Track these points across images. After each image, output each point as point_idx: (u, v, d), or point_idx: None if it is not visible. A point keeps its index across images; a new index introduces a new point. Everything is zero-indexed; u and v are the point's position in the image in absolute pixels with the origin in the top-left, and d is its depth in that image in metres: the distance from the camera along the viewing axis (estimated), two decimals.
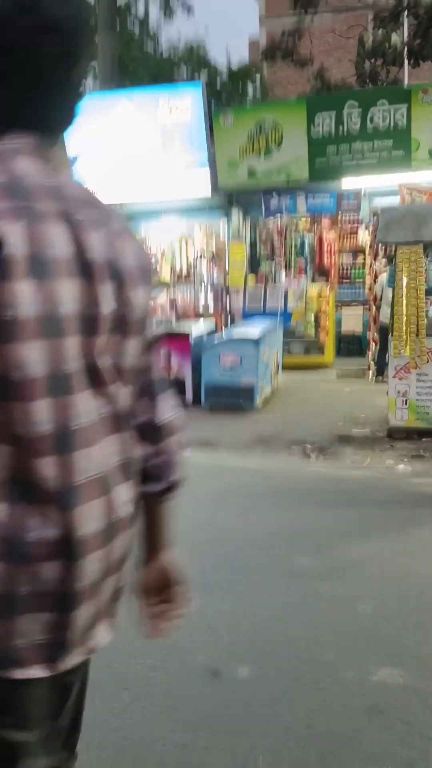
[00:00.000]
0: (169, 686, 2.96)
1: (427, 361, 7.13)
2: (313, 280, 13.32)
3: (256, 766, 2.47)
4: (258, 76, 21.83)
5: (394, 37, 10.39)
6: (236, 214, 12.71)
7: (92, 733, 2.65)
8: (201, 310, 12.68)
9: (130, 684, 2.98)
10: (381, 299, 10.42)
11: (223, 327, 12.04)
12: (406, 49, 9.73)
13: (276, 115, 11.46)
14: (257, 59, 14.95)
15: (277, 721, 2.71)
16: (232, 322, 12.40)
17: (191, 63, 21.51)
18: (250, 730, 2.66)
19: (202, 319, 11.90)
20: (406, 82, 14.81)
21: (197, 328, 9.96)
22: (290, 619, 3.50)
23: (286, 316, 11.93)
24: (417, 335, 7.09)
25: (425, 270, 7.37)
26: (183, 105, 11.95)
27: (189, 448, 5.38)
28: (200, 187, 12.20)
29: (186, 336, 9.36)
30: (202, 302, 12.76)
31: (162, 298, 12.91)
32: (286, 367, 11.41)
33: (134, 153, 12.42)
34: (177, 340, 9.38)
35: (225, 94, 21.31)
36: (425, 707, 2.76)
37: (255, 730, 2.66)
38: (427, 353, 7.11)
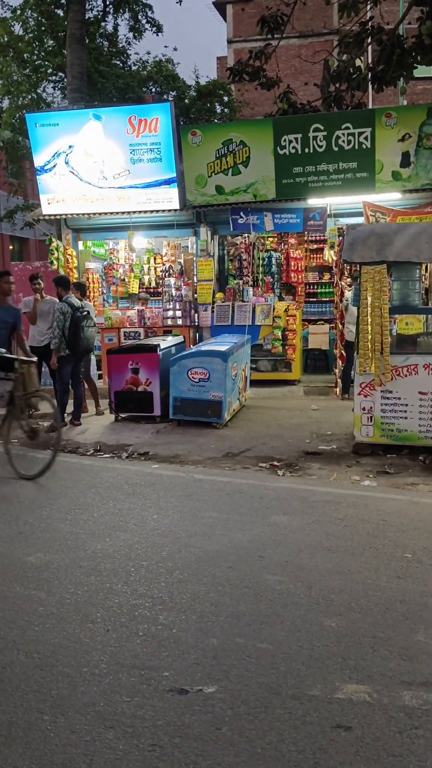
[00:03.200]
0: (134, 705, 2.94)
1: (392, 379, 7.25)
2: (280, 297, 13.47)
3: None
4: (226, 97, 22.09)
5: (359, 63, 10.63)
6: (204, 231, 12.82)
7: (56, 752, 2.63)
8: (169, 324, 12.71)
9: (95, 703, 2.96)
10: (347, 317, 10.57)
11: (192, 342, 12.08)
12: (369, 74, 9.95)
13: (243, 135, 11.62)
14: (225, 79, 15.12)
15: (243, 738, 2.71)
16: (201, 337, 12.45)
17: (160, 80, 21.67)
18: (216, 748, 2.65)
19: (170, 333, 11.92)
20: (370, 105, 15.14)
21: (166, 343, 9.98)
22: (257, 636, 3.51)
23: (254, 332, 12.03)
24: (381, 353, 7.21)
25: (389, 289, 7.51)
26: (152, 123, 12.05)
27: (156, 461, 5.41)
28: (168, 202, 12.28)
29: (154, 350, 9.37)
30: (170, 317, 12.79)
31: (131, 312, 12.91)
32: (254, 383, 11.49)
33: (104, 168, 12.46)
34: (145, 353, 9.40)
35: (193, 111, 21.50)
36: (390, 724, 2.79)
37: (220, 748, 2.66)
38: (392, 371, 7.23)
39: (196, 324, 12.68)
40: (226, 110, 22.49)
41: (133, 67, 22.51)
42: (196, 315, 12.70)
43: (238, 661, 3.27)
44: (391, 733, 2.72)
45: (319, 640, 3.47)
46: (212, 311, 12.47)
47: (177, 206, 12.25)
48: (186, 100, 21.55)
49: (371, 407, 7.36)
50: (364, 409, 7.40)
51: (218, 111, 22.56)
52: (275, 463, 7.21)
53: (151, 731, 2.77)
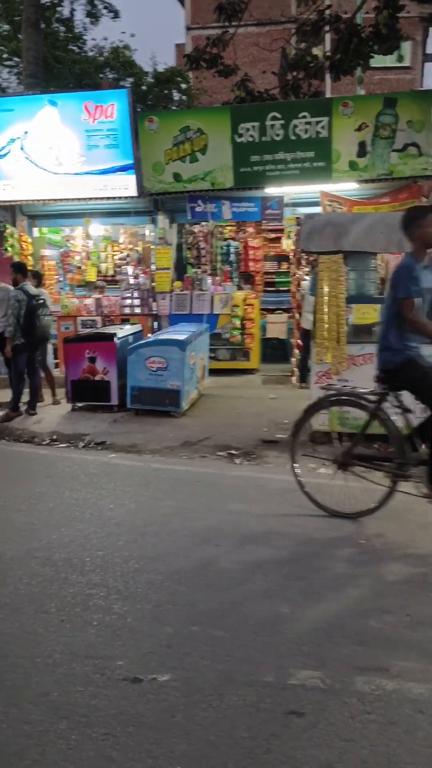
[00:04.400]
0: (88, 695, 2.91)
1: (348, 368, 7.31)
2: (238, 287, 13.47)
3: None
4: (184, 84, 21.93)
5: (316, 51, 10.64)
6: (162, 219, 12.71)
7: (9, 742, 2.59)
8: (127, 313, 12.61)
9: (49, 693, 2.92)
10: (304, 306, 10.62)
11: (150, 331, 12.00)
12: (327, 63, 9.96)
13: (201, 122, 11.53)
14: (183, 66, 15.01)
15: (197, 726, 2.71)
16: (159, 326, 12.37)
17: (117, 66, 21.38)
18: (170, 737, 2.65)
19: (128, 322, 11.83)
20: (327, 94, 15.18)
21: (123, 331, 9.89)
22: (212, 624, 3.51)
23: (213, 321, 12.01)
24: (338, 342, 7.26)
25: (345, 279, 7.56)
26: (109, 109, 11.88)
27: (113, 451, 5.34)
28: (125, 189, 12.14)
29: (112, 338, 9.28)
30: (128, 305, 12.68)
31: (88, 300, 12.76)
32: (213, 372, 11.48)
33: (60, 155, 12.25)
34: (102, 342, 9.29)
35: (151, 98, 21.29)
36: (343, 709, 2.82)
37: (175, 736, 2.65)
38: (348, 360, 7.29)
39: (154, 313, 12.60)
40: (184, 97, 22.32)
41: (90, 53, 22.17)
42: (154, 303, 12.61)
43: (193, 649, 3.27)
44: (344, 718, 2.76)
45: (273, 626, 3.49)
46: (170, 300, 12.40)
47: (134, 193, 12.11)
48: (143, 87, 21.32)
49: None
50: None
51: (176, 98, 22.38)
52: (233, 451, 7.21)
53: (104, 720, 2.75)
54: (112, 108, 11.89)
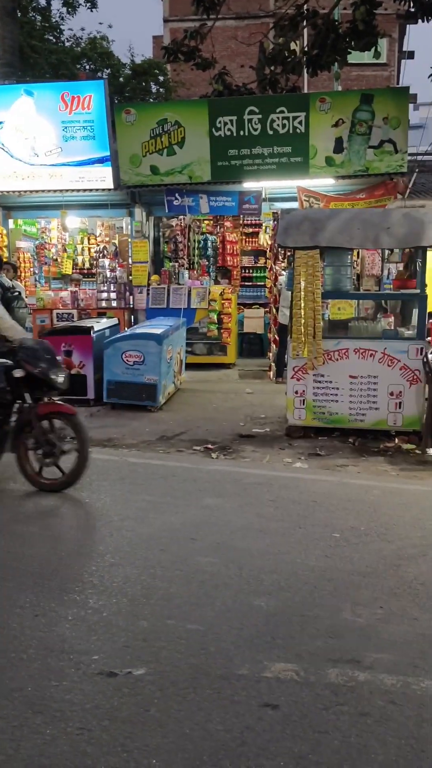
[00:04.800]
0: (63, 689, 2.91)
1: (324, 363, 7.36)
2: (216, 281, 13.46)
3: (150, 765, 2.47)
4: (161, 77, 21.81)
5: (294, 46, 10.62)
6: (139, 212, 12.65)
7: None
8: (104, 306, 12.54)
9: (23, 688, 2.91)
10: (281, 301, 10.66)
11: (127, 325, 11.96)
12: (304, 58, 9.96)
13: (178, 115, 11.48)
14: (161, 59, 14.92)
15: (171, 719, 2.72)
16: (136, 320, 12.33)
17: (94, 57, 21.19)
18: (145, 730, 2.66)
19: (104, 315, 11.76)
20: (305, 90, 15.20)
21: (100, 325, 9.84)
22: (188, 618, 3.53)
23: (190, 315, 11.99)
24: (314, 337, 7.31)
25: (321, 274, 7.61)
26: (85, 101, 11.78)
27: (90, 445, 5.27)
28: (102, 181, 12.06)
29: (88, 332, 9.22)
30: (104, 299, 12.61)
31: (64, 293, 12.66)
32: (190, 366, 11.47)
33: (36, 145, 12.12)
34: (79, 336, 9.23)
35: (128, 90, 21.15)
36: (317, 701, 2.85)
37: (149, 729, 2.66)
38: (324, 355, 7.34)
39: (131, 306, 12.55)
40: (161, 90, 22.21)
41: (67, 43, 21.96)
42: (131, 297, 12.56)
43: (168, 643, 3.28)
44: (317, 710, 2.79)
45: (248, 619, 3.51)
46: (147, 293, 12.37)
47: (111, 185, 12.03)
48: (121, 79, 21.18)
49: (304, 391, 7.47)
50: (296, 392, 7.50)
51: (153, 90, 22.26)
52: (209, 446, 7.23)
53: (79, 715, 2.75)
54: (89, 99, 11.79)
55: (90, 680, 2.99)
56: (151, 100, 21.49)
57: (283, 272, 10.90)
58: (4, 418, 5.58)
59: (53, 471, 5.56)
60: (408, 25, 21.01)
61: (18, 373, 5.43)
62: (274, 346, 11.31)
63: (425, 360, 7.14)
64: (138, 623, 3.48)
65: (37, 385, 5.55)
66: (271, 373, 11.25)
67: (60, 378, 5.59)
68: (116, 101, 15.59)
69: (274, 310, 11.35)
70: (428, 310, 7.60)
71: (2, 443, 5.60)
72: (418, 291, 7.47)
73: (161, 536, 4.65)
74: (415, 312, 7.60)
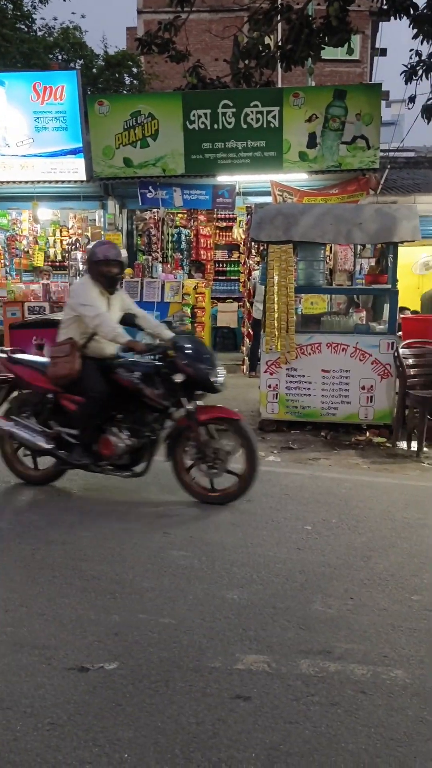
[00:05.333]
0: (33, 685, 2.89)
1: (296, 357, 7.39)
2: (189, 275, 13.43)
3: (121, 759, 2.47)
4: (135, 68, 21.64)
5: (268, 40, 10.62)
6: (112, 204, 12.56)
7: None
8: None
9: None
10: (254, 295, 10.67)
11: None
12: (278, 53, 9.96)
13: (152, 107, 11.42)
14: (134, 50, 14.82)
15: (144, 713, 2.72)
16: None
17: (66, 47, 20.94)
18: (116, 725, 2.65)
19: None
20: (279, 84, 15.22)
21: None
22: (160, 612, 3.52)
23: (163, 309, 11.94)
24: (287, 332, 7.33)
25: (295, 269, 7.63)
26: (58, 91, 11.65)
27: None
28: (74, 173, 11.95)
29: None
30: None
31: (35, 285, 12.52)
32: None
33: (6, 135, 11.96)
34: (51, 329, 9.09)
35: (101, 81, 20.95)
36: (288, 692, 2.87)
37: (121, 724, 2.66)
38: (296, 349, 7.37)
39: None
40: (135, 82, 22.04)
41: (39, 33, 21.65)
42: None
43: (140, 637, 3.28)
44: (288, 701, 2.81)
45: (220, 612, 3.52)
46: (120, 287, 12.26)
47: (83, 177, 11.94)
48: (94, 70, 20.97)
49: (276, 385, 7.49)
50: (269, 386, 7.52)
51: (127, 82, 22.09)
52: None
53: (50, 710, 2.73)
54: (62, 90, 11.68)
55: (61, 675, 2.97)
56: (125, 92, 21.32)
57: (257, 266, 10.91)
58: (159, 426, 5.16)
59: (205, 482, 5.13)
60: (381, 22, 21.10)
61: (178, 378, 4.97)
62: (247, 340, 11.33)
63: (396, 354, 7.22)
64: (110, 617, 3.46)
65: (193, 388, 5.09)
66: (245, 367, 11.27)
67: (219, 380, 5.16)
68: (89, 92, 15.46)
69: (248, 304, 11.36)
70: (399, 305, 7.68)
71: (152, 452, 5.20)
72: (389, 286, 7.54)
73: (132, 529, 4.64)
74: (387, 307, 7.67)
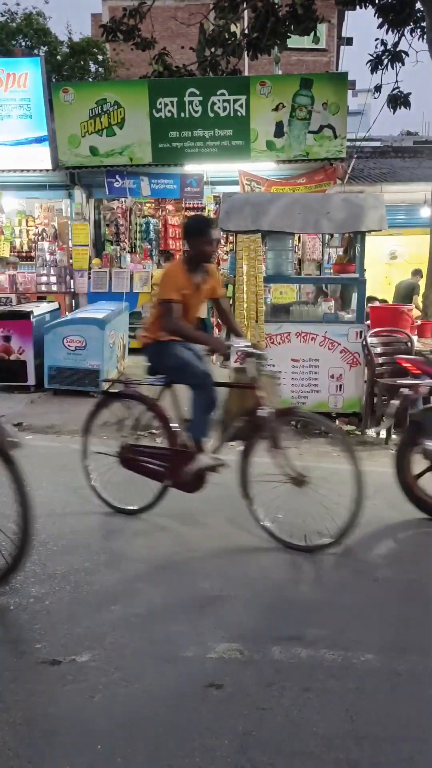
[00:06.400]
0: (6, 679, 2.87)
1: (266, 347, 7.41)
2: (158, 265, 13.36)
3: (93, 752, 2.47)
4: (101, 56, 21.37)
5: (234, 29, 10.60)
6: (79, 194, 12.41)
7: None
8: (43, 290, 12.31)
9: None
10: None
11: (68, 309, 11.77)
12: (244, 41, 9.94)
13: (118, 95, 11.29)
14: (100, 37, 14.65)
15: (116, 704, 2.73)
16: (77, 304, 12.14)
17: (30, 33, 20.59)
18: (88, 717, 2.66)
19: (44, 299, 11.54)
20: (246, 73, 15.17)
21: (39, 309, 9.65)
22: (132, 603, 3.53)
23: (132, 299, 11.89)
24: (256, 321, 7.35)
25: (263, 258, 7.64)
26: (21, 78, 11.46)
27: (31, 432, 5.15)
28: (40, 162, 11.78)
29: (27, 317, 9.03)
30: (44, 282, 12.37)
31: (1, 276, 12.36)
32: (133, 351, 11.38)
33: None
34: (18, 320, 9.02)
35: (66, 68, 20.66)
36: (260, 679, 2.90)
37: (93, 716, 2.66)
38: (266, 339, 7.40)
39: (72, 290, 12.35)
40: (100, 69, 21.78)
41: (1, 18, 21.24)
42: (71, 281, 12.36)
43: (113, 629, 3.28)
44: (261, 688, 2.84)
45: (193, 601, 3.54)
46: (89, 277, 12.19)
47: (49, 166, 11.77)
48: (58, 57, 20.66)
49: None
50: None
51: (93, 70, 21.81)
52: (154, 431, 7.19)
53: (23, 705, 2.73)
54: (25, 77, 11.48)
55: (33, 669, 2.96)
56: (90, 79, 21.05)
57: (226, 256, 10.91)
58: None
59: None
60: (347, 11, 21.15)
61: None
62: (217, 330, 11.32)
63: (364, 343, 7.28)
64: (82, 610, 3.46)
65: None
66: (214, 357, 11.26)
67: None
68: (54, 80, 15.24)
69: None
70: (368, 294, 7.74)
71: None
72: (357, 275, 7.59)
73: (105, 522, 4.63)
74: (355, 296, 7.73)
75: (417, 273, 12.02)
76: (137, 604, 3.52)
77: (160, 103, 11.05)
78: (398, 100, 10.88)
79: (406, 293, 11.74)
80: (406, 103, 10.95)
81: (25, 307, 9.78)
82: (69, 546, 4.24)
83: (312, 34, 10.26)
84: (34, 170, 11.92)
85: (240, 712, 2.68)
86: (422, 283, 10.56)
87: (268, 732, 2.57)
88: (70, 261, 12.40)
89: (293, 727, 2.60)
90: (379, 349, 7.21)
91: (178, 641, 3.18)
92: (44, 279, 12.41)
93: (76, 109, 11.40)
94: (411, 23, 10.69)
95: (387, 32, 10.65)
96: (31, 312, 9.15)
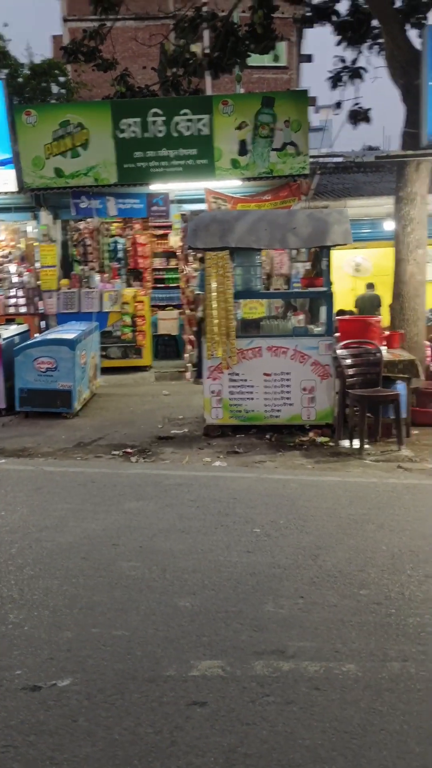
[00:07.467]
0: None
1: (238, 362, 7.46)
2: (128, 283, 13.37)
3: None
4: (62, 77, 21.41)
5: (195, 48, 10.71)
6: (45, 215, 12.40)
7: None
8: (12, 312, 12.23)
9: None
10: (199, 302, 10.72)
11: (37, 331, 11.70)
12: (206, 61, 10.06)
13: (81, 117, 11.34)
14: (60, 59, 14.68)
15: (100, 727, 2.70)
16: (47, 325, 12.09)
17: None
18: (73, 741, 2.62)
19: (13, 322, 11.47)
20: (209, 92, 15.35)
21: (8, 332, 9.59)
22: (112, 624, 3.50)
23: (103, 319, 11.87)
24: (228, 337, 7.40)
25: (232, 275, 7.70)
26: None
27: (3, 456, 5.14)
28: (4, 184, 11.75)
29: None
30: (12, 304, 12.29)
31: None
32: (105, 370, 11.37)
33: None
34: None
35: (28, 90, 20.64)
36: (243, 694, 2.89)
37: (78, 740, 2.63)
38: (238, 354, 7.44)
39: (41, 312, 12.30)
40: (63, 91, 21.81)
41: None
42: (40, 302, 12.31)
43: (94, 651, 3.25)
44: (244, 703, 2.83)
45: (173, 621, 3.53)
46: (58, 298, 12.15)
47: (14, 188, 11.75)
48: (19, 79, 20.62)
49: (220, 390, 7.55)
50: (213, 392, 7.57)
51: (55, 92, 21.83)
52: (128, 450, 7.19)
53: (4, 732, 2.69)
54: None
55: (14, 696, 2.92)
56: (53, 101, 21.06)
57: (195, 273, 10.97)
58: None
59: None
60: (305, 29, 21.56)
61: None
62: (189, 347, 11.36)
63: (335, 355, 7.36)
64: (61, 634, 3.42)
65: None
66: (188, 374, 11.30)
67: None
68: (16, 102, 15.22)
69: (188, 310, 11.39)
70: (338, 308, 7.84)
71: None
72: (325, 289, 7.69)
73: (82, 544, 4.59)
74: (323, 309, 7.81)
75: (372, 286, 12.30)
76: (117, 625, 3.50)
77: (124, 124, 11.12)
78: (358, 116, 11.10)
79: (372, 305, 11.93)
80: (367, 119, 11.17)
81: None
82: (46, 570, 4.19)
83: (272, 52, 10.40)
84: None
85: (224, 729, 2.67)
86: (381, 293, 10.77)
87: (253, 747, 2.57)
88: (38, 282, 12.35)
89: (279, 741, 2.60)
90: (349, 361, 7.30)
91: (159, 660, 3.16)
92: (12, 301, 12.34)
93: (39, 131, 11.42)
94: (369, 40, 10.92)
95: (346, 49, 10.88)
96: (0, 335, 9.09)
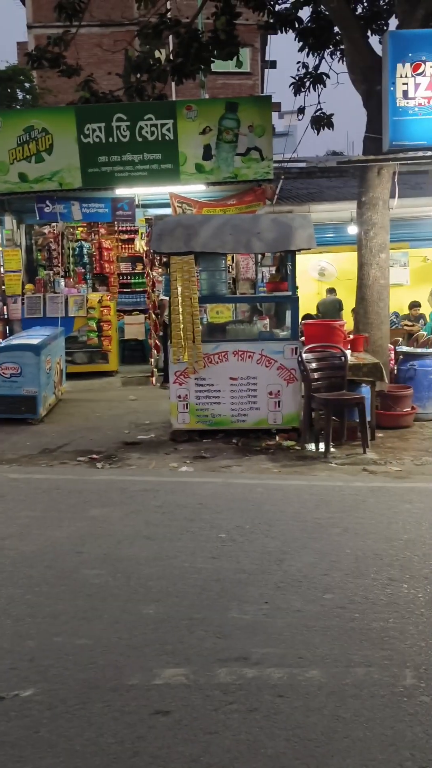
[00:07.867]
0: None
1: (204, 366, 7.46)
2: (93, 288, 13.31)
3: None
4: (27, 83, 21.28)
5: (159, 54, 10.71)
6: (9, 220, 12.28)
7: None
8: None
9: None
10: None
11: (1, 336, 11.57)
12: (169, 67, 10.07)
13: (45, 122, 11.27)
14: (25, 65, 14.57)
15: (62, 738, 2.67)
16: (11, 331, 11.95)
17: None
18: (34, 753, 2.59)
19: None
20: (173, 97, 15.37)
21: None
22: (75, 633, 3.47)
23: (68, 324, 11.79)
24: (194, 341, 7.39)
25: (198, 279, 7.71)
26: None
27: None
28: None
29: None
30: None
31: None
32: (71, 376, 11.27)
33: None
34: None
35: None
36: (207, 703, 2.88)
37: (39, 751, 2.59)
38: (204, 358, 7.44)
39: (5, 317, 12.16)
40: (28, 97, 21.67)
41: None
42: (4, 307, 12.17)
43: (57, 661, 3.21)
44: (208, 712, 2.82)
45: (137, 629, 3.50)
46: (22, 303, 12.04)
47: None
48: None
49: (186, 395, 7.53)
50: (179, 396, 7.55)
51: (20, 97, 21.68)
52: (94, 456, 7.13)
53: None
54: None
55: None
56: (18, 107, 20.90)
57: (161, 278, 10.95)
58: None
59: None
60: (269, 36, 21.70)
61: None
62: (155, 351, 11.33)
63: (300, 359, 7.41)
64: (24, 643, 3.38)
65: None
66: (154, 378, 11.26)
67: None
68: None
69: (154, 315, 11.37)
70: (305, 313, 7.89)
71: None
72: (290, 293, 7.74)
73: (45, 552, 4.54)
74: (288, 314, 7.86)
75: (333, 291, 12.44)
76: (81, 634, 3.46)
77: (88, 129, 11.07)
78: (321, 121, 11.18)
79: (335, 309, 12.04)
80: (329, 124, 11.26)
81: None
82: (8, 579, 4.13)
83: (235, 58, 10.44)
84: None
85: (187, 738, 2.66)
86: (343, 298, 10.89)
87: (216, 756, 2.56)
88: (2, 287, 12.22)
89: (242, 750, 2.59)
90: (314, 365, 7.34)
91: (122, 669, 3.13)
92: None
93: (3, 136, 11.32)
94: (330, 46, 11.03)
95: (308, 55, 10.96)
96: None
